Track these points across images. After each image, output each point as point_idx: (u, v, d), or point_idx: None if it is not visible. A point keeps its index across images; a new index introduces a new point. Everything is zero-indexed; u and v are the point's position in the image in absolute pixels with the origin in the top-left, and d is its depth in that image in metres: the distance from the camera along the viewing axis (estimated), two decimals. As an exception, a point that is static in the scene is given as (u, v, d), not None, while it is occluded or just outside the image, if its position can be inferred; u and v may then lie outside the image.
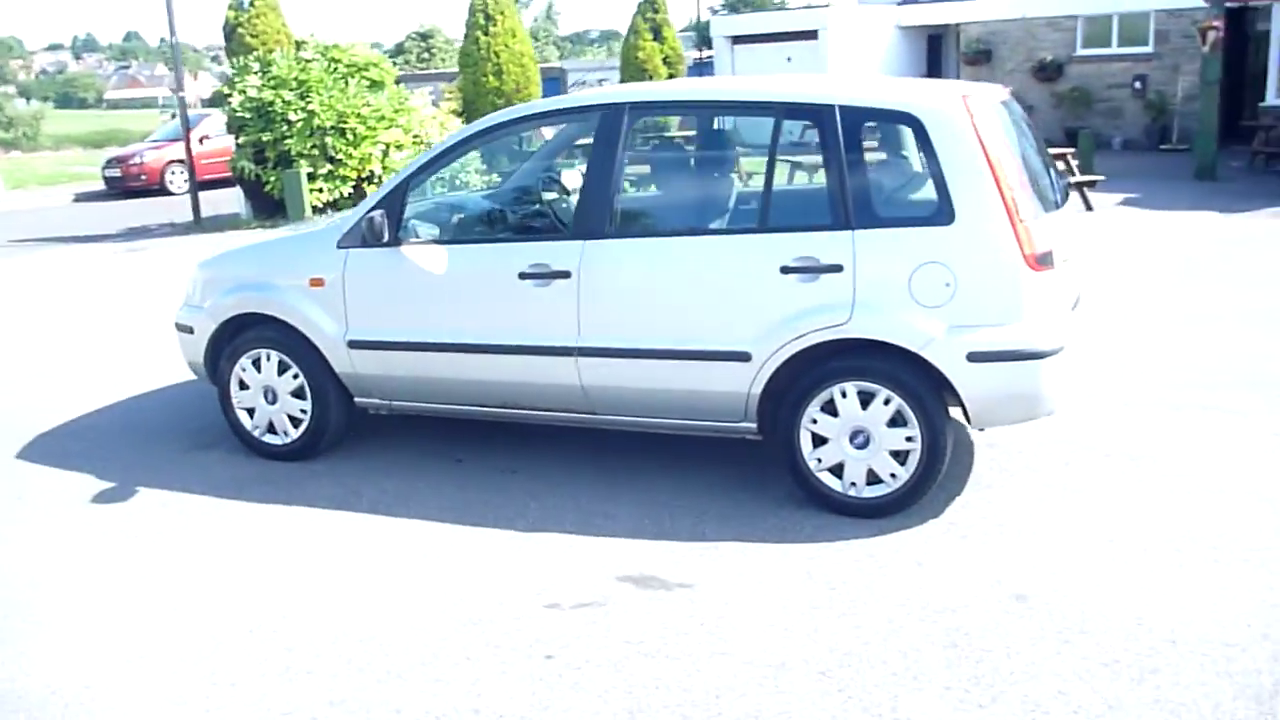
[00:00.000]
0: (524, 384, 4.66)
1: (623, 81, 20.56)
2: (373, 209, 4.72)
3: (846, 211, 4.09)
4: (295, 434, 5.15)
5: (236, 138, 14.76)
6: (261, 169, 14.21)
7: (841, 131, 4.12)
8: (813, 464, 4.30)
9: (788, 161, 4.55)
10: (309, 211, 13.08)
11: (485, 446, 5.21)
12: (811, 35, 22.39)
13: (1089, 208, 12.79)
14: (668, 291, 4.35)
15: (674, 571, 3.91)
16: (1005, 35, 22.57)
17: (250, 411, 5.22)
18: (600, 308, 4.42)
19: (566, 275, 4.43)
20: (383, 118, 14.28)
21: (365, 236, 4.69)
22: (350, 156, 13.89)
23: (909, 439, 4.14)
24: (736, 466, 4.84)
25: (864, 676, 3.20)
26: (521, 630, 3.54)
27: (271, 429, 5.20)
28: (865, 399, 4.16)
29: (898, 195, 4.19)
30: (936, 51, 25.39)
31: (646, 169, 5.10)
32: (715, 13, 24.69)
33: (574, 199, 4.60)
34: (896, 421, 4.14)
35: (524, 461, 5.03)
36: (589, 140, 4.52)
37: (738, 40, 23.59)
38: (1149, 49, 20.94)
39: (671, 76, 20.70)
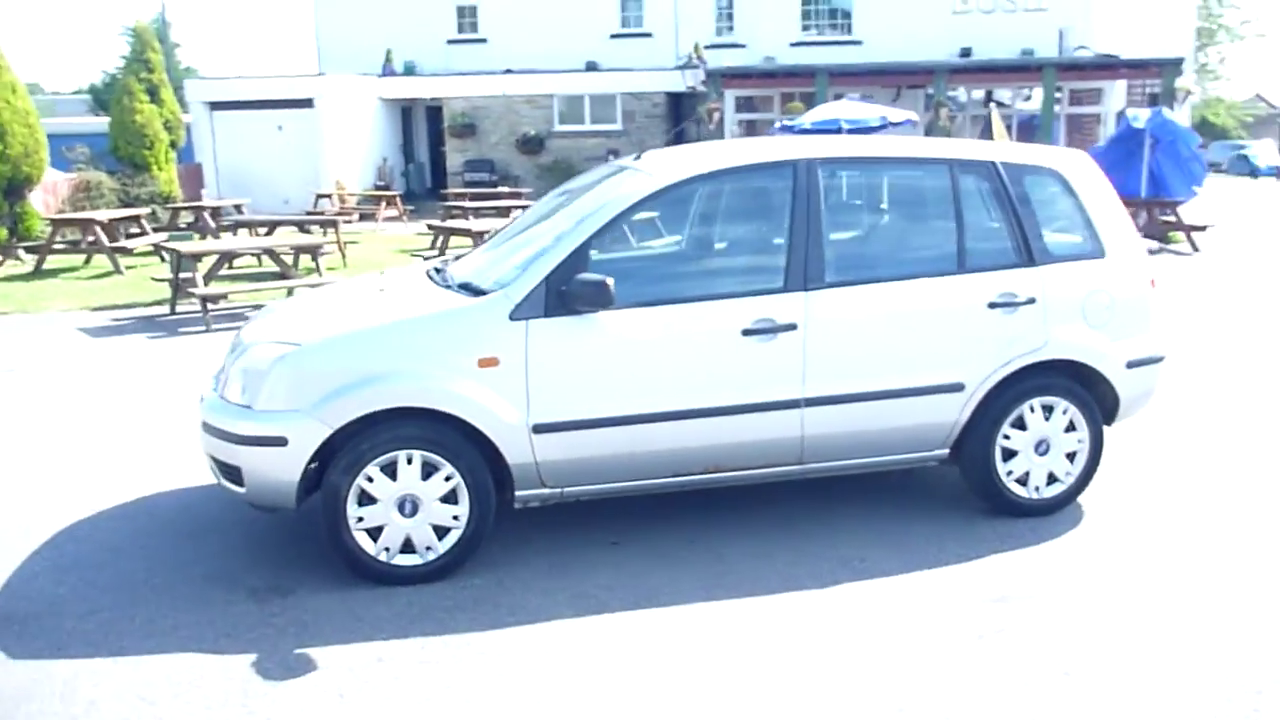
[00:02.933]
0: (740, 444, 4.50)
1: (115, 147, 18.09)
2: (559, 272, 4.22)
3: (1030, 251, 4.73)
4: (442, 549, 4.29)
5: None
6: None
7: (1009, 182, 4.76)
8: (1004, 476, 4.82)
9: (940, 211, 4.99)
10: None
11: (597, 523, 4.82)
12: (307, 104, 21.74)
13: None
14: (888, 335, 4.58)
15: (1008, 588, 4.19)
16: (488, 110, 24.08)
17: (374, 532, 4.23)
18: (826, 357, 4.49)
19: (793, 328, 4.43)
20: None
21: (578, 303, 4.17)
22: None
23: (1079, 440, 4.87)
24: (862, 504, 5.15)
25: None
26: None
27: (407, 548, 4.27)
28: (1047, 412, 4.81)
29: (1059, 235, 4.91)
30: (409, 124, 26.13)
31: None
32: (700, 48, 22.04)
33: (777, 250, 4.56)
34: (1070, 428, 4.85)
35: (685, 533, 4.78)
36: (780, 193, 4.57)
37: (217, 106, 21.98)
38: (618, 126, 23.90)
39: (173, 142, 18.71)
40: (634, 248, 4.63)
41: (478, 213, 16.79)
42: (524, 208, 17.80)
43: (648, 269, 4.51)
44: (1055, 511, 4.91)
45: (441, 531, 4.29)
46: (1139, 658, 3.65)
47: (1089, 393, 4.85)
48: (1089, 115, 20.35)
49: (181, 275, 10.31)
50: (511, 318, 4.23)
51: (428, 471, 4.21)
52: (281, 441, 4.12)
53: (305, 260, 11.71)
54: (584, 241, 4.32)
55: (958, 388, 4.64)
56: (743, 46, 24.63)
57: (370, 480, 4.17)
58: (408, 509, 4.22)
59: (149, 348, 9.18)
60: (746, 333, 4.40)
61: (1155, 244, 15.54)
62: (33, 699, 3.47)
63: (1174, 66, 18.39)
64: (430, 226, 13.93)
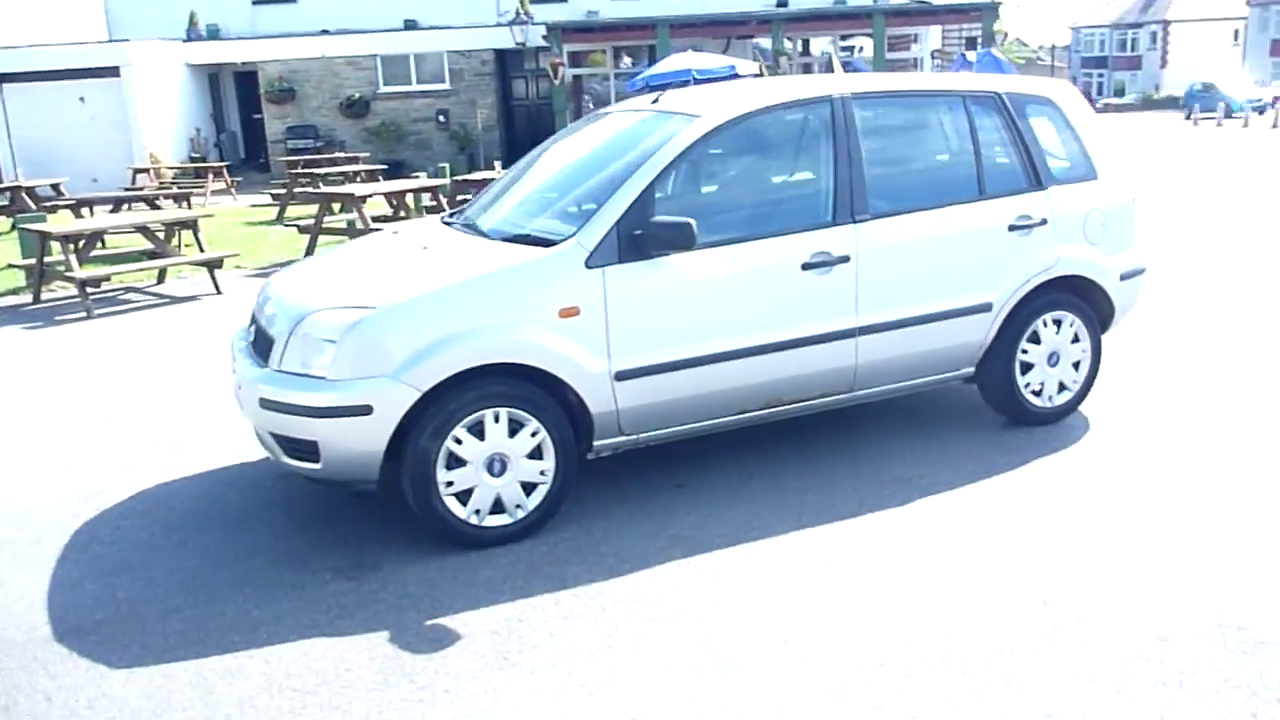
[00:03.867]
0: (802, 376, 4.60)
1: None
2: (629, 217, 4.18)
3: (1038, 176, 5.03)
4: (530, 506, 4.21)
5: None
6: None
7: (1014, 111, 5.04)
8: (1023, 388, 5.14)
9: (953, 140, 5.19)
10: None
11: (654, 469, 4.84)
12: (111, 73, 20.06)
13: None
14: (926, 262, 4.78)
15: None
16: (308, 74, 22.95)
17: (464, 496, 4.10)
18: (876, 286, 4.64)
19: (846, 260, 4.56)
20: None
21: (657, 246, 4.15)
22: None
23: (1083, 350, 5.25)
24: (899, 428, 5.39)
25: None
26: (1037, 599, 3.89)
27: (497, 508, 4.17)
28: (1057, 325, 5.15)
29: (1058, 160, 5.20)
30: (217, 91, 24.59)
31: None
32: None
33: (822, 184, 4.65)
34: (1075, 339, 5.22)
35: (743, 469, 4.87)
36: (820, 129, 4.66)
37: (7, 79, 19.96)
38: (447, 86, 23.28)
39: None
40: (687, 189, 4.58)
41: (326, 179, 16.08)
42: (371, 172, 17.20)
43: (706, 209, 4.50)
44: (1066, 416, 5.28)
45: (529, 488, 4.20)
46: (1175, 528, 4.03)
47: (1089, 305, 5.22)
48: (905, 60, 21.39)
49: (46, 259, 9.43)
50: (588, 265, 4.16)
51: (514, 428, 4.11)
52: (365, 410, 3.91)
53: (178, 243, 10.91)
54: (648, 185, 4.28)
55: (987, 308, 4.90)
56: (565, 1, 24.40)
57: (459, 442, 4.03)
58: (496, 468, 4.11)
59: (33, 340, 8.39)
60: (805, 267, 4.50)
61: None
62: (172, 707, 3.20)
63: (992, 10, 19.58)
64: (299, 194, 13.23)
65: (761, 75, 18.28)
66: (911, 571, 3.84)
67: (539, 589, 3.83)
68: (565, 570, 3.97)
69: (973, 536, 4.09)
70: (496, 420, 4.08)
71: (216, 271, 9.95)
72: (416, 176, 17.04)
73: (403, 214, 12.55)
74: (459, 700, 3.16)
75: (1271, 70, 54.92)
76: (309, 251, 11.71)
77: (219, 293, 9.91)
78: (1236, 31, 60.68)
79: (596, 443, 4.35)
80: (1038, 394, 5.18)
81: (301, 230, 11.94)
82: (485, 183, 13.36)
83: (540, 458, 4.18)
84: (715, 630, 3.49)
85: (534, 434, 4.14)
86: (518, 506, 4.19)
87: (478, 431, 4.06)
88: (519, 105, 24.78)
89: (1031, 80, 5.44)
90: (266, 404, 4.08)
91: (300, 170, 16.67)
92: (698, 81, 16.72)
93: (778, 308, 4.49)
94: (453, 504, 4.08)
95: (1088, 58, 66.89)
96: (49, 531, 4.51)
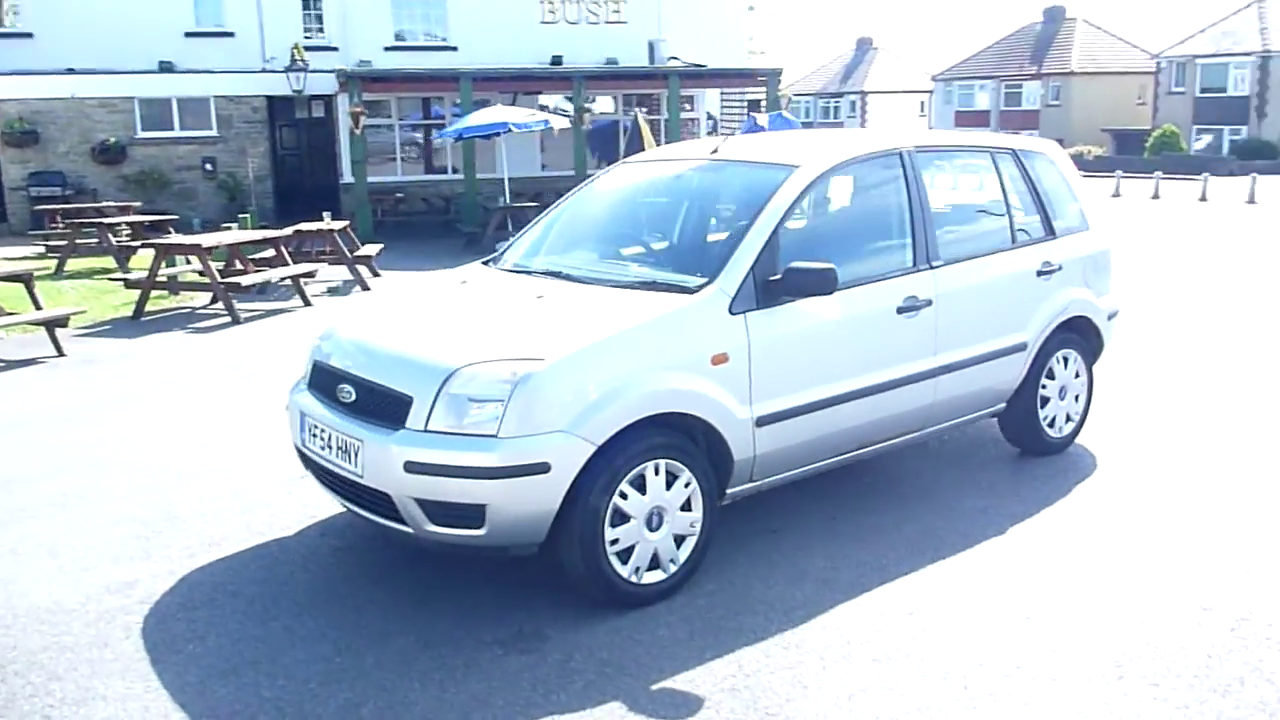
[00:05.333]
0: (895, 416, 4.76)
1: None
2: (760, 263, 4.22)
3: (1051, 226, 5.52)
4: (681, 558, 4.09)
5: None
6: None
7: (1027, 166, 5.52)
8: (1042, 421, 5.58)
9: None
10: None
11: (741, 517, 4.84)
12: None
13: (366, 287, 12.68)
14: (983, 305, 5.09)
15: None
16: (53, 115, 20.80)
17: (624, 554, 3.93)
18: (949, 329, 4.90)
19: (929, 304, 4.79)
20: None
21: (796, 292, 4.19)
22: None
23: (1083, 384, 5.77)
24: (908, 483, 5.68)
25: None
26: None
27: (654, 563, 4.02)
28: (1065, 362, 5.64)
29: (1060, 212, 5.68)
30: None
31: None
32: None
33: (903, 232, 4.84)
34: (1077, 374, 5.73)
35: (822, 511, 4.95)
36: (894, 179, 4.89)
37: None
38: (214, 132, 21.82)
39: None
40: (792, 236, 4.63)
41: (111, 229, 14.67)
42: (157, 223, 15.82)
43: (813, 255, 4.55)
44: (1069, 446, 5.76)
45: (679, 541, 4.09)
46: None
47: (1087, 343, 5.75)
48: (686, 119, 22.35)
49: None
50: (731, 312, 4.14)
51: (669, 481, 4.00)
52: (543, 468, 3.68)
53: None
54: (773, 232, 4.33)
55: (1023, 347, 5.29)
56: (335, 50, 23.62)
57: (624, 497, 3.87)
58: (654, 522, 3.98)
59: None
60: (899, 310, 4.69)
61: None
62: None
63: (775, 76, 20.89)
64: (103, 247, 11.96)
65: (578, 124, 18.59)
66: (1063, 585, 4.07)
67: (735, 643, 3.72)
68: (743, 621, 3.89)
69: (1086, 554, 4.39)
70: (656, 472, 3.95)
71: (58, 330, 8.83)
72: (169, 231, 15.74)
73: (239, 265, 11.64)
74: (767, 762, 3.03)
75: (952, 138, 61.79)
76: (140, 307, 10.64)
77: (61, 354, 8.79)
78: (922, 104, 67.85)
79: (729, 490, 4.30)
80: (1051, 425, 5.63)
81: (129, 285, 10.81)
82: (327, 233, 12.69)
83: (690, 509, 4.08)
84: (942, 660, 3.55)
85: (686, 485, 4.04)
86: (671, 561, 4.06)
87: (639, 485, 3.91)
88: (291, 155, 23.63)
89: (1030, 138, 5.96)
90: (415, 468, 3.73)
91: (73, 220, 15.06)
92: (515, 131, 16.75)
93: (880, 351, 4.65)
94: (615, 562, 3.90)
95: (804, 123, 72.53)
96: (105, 633, 3.87)
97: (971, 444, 5.92)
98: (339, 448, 4.03)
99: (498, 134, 17.06)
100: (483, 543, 3.78)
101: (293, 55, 21.40)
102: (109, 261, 14.67)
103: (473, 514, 3.71)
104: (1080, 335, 5.68)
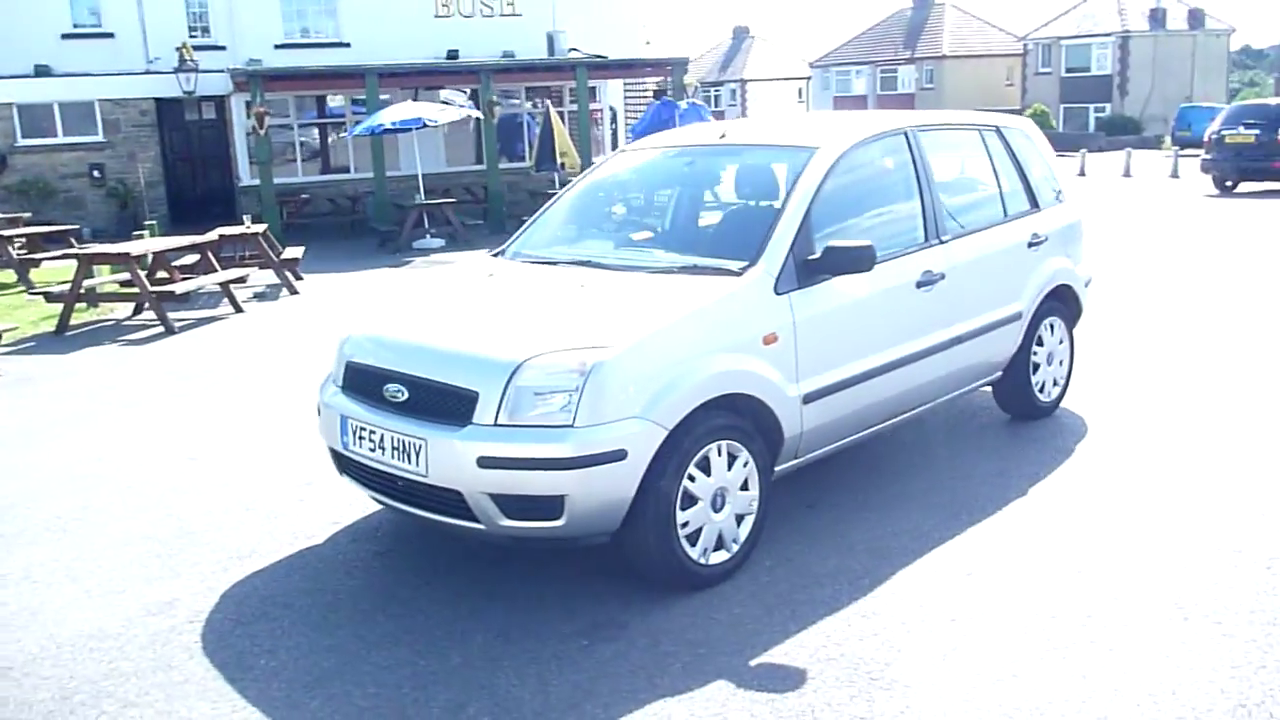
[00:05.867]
0: (917, 388, 4.90)
1: None
2: (798, 243, 4.30)
3: (1035, 199, 5.75)
4: (742, 537, 4.15)
5: None
6: None
7: (1009, 142, 5.73)
8: (1034, 386, 5.81)
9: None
10: None
11: (791, 490, 4.92)
12: None
13: (294, 291, 12.33)
14: (984, 277, 5.27)
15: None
16: (-80, 124, 19.51)
17: (693, 536, 3.96)
18: (959, 301, 5.07)
19: (942, 277, 4.95)
20: None
21: (835, 270, 4.28)
22: None
23: (1066, 350, 6.03)
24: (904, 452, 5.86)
25: None
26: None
27: (719, 544, 4.06)
28: (1051, 329, 5.88)
29: (1040, 185, 5.89)
30: None
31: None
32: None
33: (914, 208, 4.96)
34: (1061, 341, 5.98)
35: (852, 485, 5.07)
36: (902, 158, 5.02)
37: None
38: (100, 137, 20.85)
39: None
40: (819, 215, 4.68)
41: (10, 241, 13.90)
42: (52, 234, 15.06)
43: (840, 234, 4.62)
44: (1056, 409, 6.01)
45: (739, 520, 4.14)
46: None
47: (1068, 310, 6.01)
48: (592, 110, 22.29)
49: None
50: (777, 292, 4.21)
51: (730, 460, 4.05)
52: (620, 455, 3.68)
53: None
54: (806, 212, 4.40)
55: (1019, 316, 5.51)
56: (223, 49, 22.82)
57: (692, 479, 3.90)
58: (718, 503, 4.02)
59: None
60: (918, 285, 4.82)
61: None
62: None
63: (682, 65, 20.99)
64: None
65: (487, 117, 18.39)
66: (1098, 538, 4.27)
67: (813, 615, 3.79)
68: (813, 594, 3.96)
69: (1108, 507, 4.61)
70: (719, 454, 3.99)
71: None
72: (71, 242, 15.05)
73: (164, 273, 11.19)
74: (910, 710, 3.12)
75: (833, 123, 63.09)
76: (64, 321, 10.14)
77: (-6, 375, 8.33)
78: (800, 90, 69.14)
79: (777, 468, 4.37)
80: (1041, 390, 5.87)
81: (51, 298, 10.29)
82: (251, 237, 12.30)
83: (747, 489, 4.14)
84: (1014, 616, 3.69)
85: (744, 464, 4.10)
86: (733, 540, 4.11)
87: (704, 468, 3.95)
88: (182, 159, 22.72)
89: (1008, 115, 6.18)
90: (490, 463, 3.68)
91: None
92: (428, 126, 16.49)
93: (904, 325, 4.78)
94: (685, 545, 3.93)
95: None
96: (166, 655, 3.71)
97: (961, 414, 6.12)
98: (395, 448, 3.95)
99: (411, 129, 16.76)
100: (560, 534, 3.77)
101: (181, 55, 20.61)
102: (7, 275, 13.92)
103: (551, 505, 3.69)
104: (1063, 303, 5.93)
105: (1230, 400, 6.19)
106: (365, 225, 19.03)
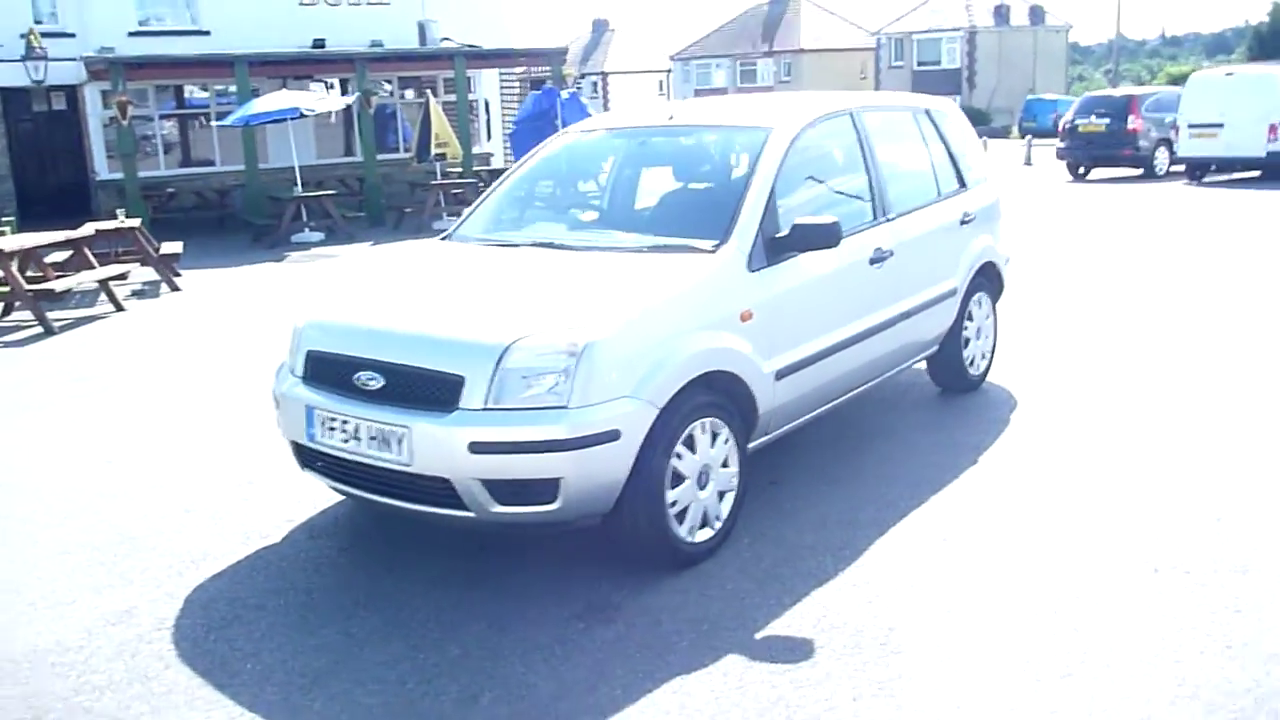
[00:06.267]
0: (870, 363, 5.01)
1: None
2: (765, 222, 4.34)
3: (963, 179, 5.96)
4: (724, 514, 4.17)
5: None
6: None
7: (938, 123, 5.92)
8: (966, 360, 6.02)
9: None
10: None
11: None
12: None
13: (176, 288, 11.76)
14: (924, 255, 5.41)
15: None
16: None
17: (681, 515, 3.96)
18: (905, 278, 5.21)
19: (891, 254, 5.07)
20: None
21: (803, 246, 4.33)
22: None
23: (991, 325, 6.27)
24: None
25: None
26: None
27: (704, 521, 4.07)
28: (979, 305, 6.10)
29: (966, 165, 6.08)
30: None
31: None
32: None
33: (862, 187, 5.05)
34: (987, 316, 6.21)
35: (813, 461, 5.14)
36: (848, 138, 5.11)
37: None
38: (-62, 130, 19.36)
39: None
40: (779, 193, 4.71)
41: None
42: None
43: (797, 211, 4.67)
44: (983, 382, 6.25)
45: (719, 497, 4.15)
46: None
47: (993, 285, 6.25)
48: (472, 100, 21.92)
49: None
50: (750, 270, 4.24)
51: (714, 437, 4.06)
52: (614, 435, 3.64)
53: None
54: (770, 191, 4.44)
55: (955, 292, 5.70)
56: (72, 36, 21.48)
57: (679, 458, 3.90)
58: (703, 480, 4.03)
59: None
60: (871, 262, 4.93)
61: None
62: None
63: (560, 55, 20.84)
64: None
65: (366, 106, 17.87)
66: (1055, 499, 4.47)
67: (805, 588, 3.83)
68: (799, 567, 4.00)
69: (1057, 471, 4.83)
70: (704, 431, 4.00)
71: None
72: None
73: (38, 271, 10.50)
74: (927, 684, 3.18)
75: (696, 116, 63.76)
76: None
77: None
78: (661, 82, 69.71)
79: (749, 444, 4.40)
80: (971, 364, 6.09)
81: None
82: (128, 232, 11.67)
83: (728, 465, 4.16)
84: (999, 575, 3.82)
85: (725, 441, 4.11)
86: (716, 518, 4.12)
87: (690, 445, 3.95)
88: (31, 152, 21.30)
89: (932, 97, 6.36)
90: (481, 448, 3.59)
91: None
92: (305, 116, 15.94)
93: (860, 301, 4.88)
94: (674, 524, 3.92)
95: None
96: (141, 666, 3.49)
97: (895, 390, 6.28)
98: (373, 438, 3.81)
99: (286, 119, 16.18)
100: (553, 518, 3.70)
101: (28, 42, 19.34)
102: None
103: (545, 489, 3.63)
104: (988, 279, 6.15)
105: (1130, 362, 6.56)
106: (235, 220, 18.29)
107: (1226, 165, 19.04)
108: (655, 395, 3.74)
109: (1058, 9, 55.32)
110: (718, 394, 4.05)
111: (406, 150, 20.33)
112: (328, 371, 4.08)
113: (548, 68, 20.54)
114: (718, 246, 4.24)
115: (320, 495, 4.79)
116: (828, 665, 3.31)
